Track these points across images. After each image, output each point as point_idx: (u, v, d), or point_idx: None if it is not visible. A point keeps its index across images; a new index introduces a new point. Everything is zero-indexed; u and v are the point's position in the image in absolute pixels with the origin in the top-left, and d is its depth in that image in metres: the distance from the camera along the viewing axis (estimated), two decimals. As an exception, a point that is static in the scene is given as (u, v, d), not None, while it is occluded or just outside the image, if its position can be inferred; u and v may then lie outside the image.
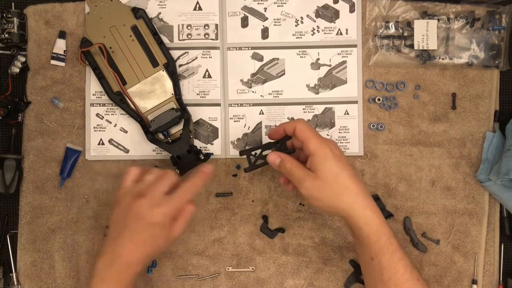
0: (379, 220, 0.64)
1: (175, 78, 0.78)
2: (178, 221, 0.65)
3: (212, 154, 0.79)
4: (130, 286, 0.63)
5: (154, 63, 0.78)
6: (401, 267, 0.63)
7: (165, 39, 0.80)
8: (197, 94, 0.80)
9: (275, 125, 0.81)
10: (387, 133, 0.81)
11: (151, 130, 0.76)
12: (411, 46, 0.80)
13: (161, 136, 0.78)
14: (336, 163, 0.64)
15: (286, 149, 0.70)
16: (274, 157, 0.68)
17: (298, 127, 0.66)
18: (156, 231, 0.62)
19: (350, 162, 0.81)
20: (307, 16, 0.81)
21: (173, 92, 0.78)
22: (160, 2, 0.80)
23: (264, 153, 0.72)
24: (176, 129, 0.78)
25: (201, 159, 0.77)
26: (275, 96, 0.81)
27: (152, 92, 0.78)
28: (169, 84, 0.78)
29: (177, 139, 0.76)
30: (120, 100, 0.77)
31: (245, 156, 0.72)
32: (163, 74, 0.78)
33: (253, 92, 0.81)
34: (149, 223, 0.62)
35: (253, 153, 0.72)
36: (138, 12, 0.78)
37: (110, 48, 0.77)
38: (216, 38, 0.81)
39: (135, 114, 0.78)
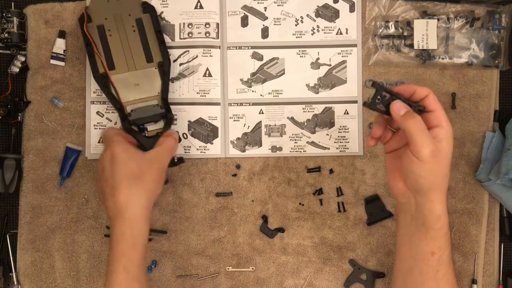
0: (447, 214, 0.62)
1: (166, 79, 0.77)
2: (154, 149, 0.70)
3: (183, 162, 0.77)
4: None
5: (149, 59, 0.77)
6: (453, 265, 0.62)
7: (166, 38, 0.80)
8: (197, 93, 0.80)
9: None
10: (387, 132, 0.81)
11: (130, 118, 0.74)
12: (411, 45, 0.80)
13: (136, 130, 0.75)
14: (451, 145, 0.60)
15: (416, 107, 0.61)
16: (400, 105, 0.60)
17: (432, 96, 0.60)
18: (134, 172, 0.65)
19: (350, 162, 0.81)
20: (307, 15, 0.81)
21: (159, 91, 0.76)
22: (162, 1, 0.80)
23: None
24: (154, 127, 0.75)
25: (174, 162, 0.76)
26: (275, 96, 0.81)
27: (138, 85, 0.76)
28: (158, 82, 0.76)
29: (154, 137, 0.74)
30: (103, 83, 0.75)
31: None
32: (154, 72, 0.77)
33: (253, 91, 0.81)
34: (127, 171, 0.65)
35: (383, 93, 0.61)
36: (147, 7, 0.78)
37: (109, 31, 0.76)
38: (217, 37, 0.81)
39: (114, 101, 0.75)
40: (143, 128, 0.74)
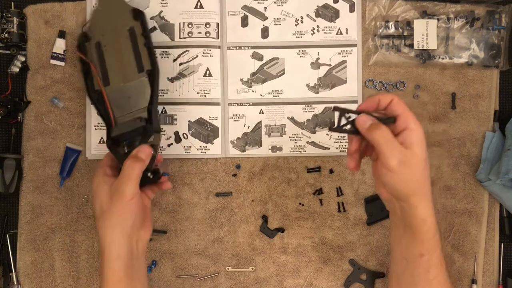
0: (435, 215, 0.61)
1: (155, 86, 0.71)
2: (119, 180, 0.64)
3: (160, 176, 0.67)
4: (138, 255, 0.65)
5: (140, 69, 0.72)
6: (445, 265, 0.62)
7: (166, 38, 0.80)
8: (197, 93, 0.80)
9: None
10: (387, 132, 0.81)
11: (112, 135, 0.69)
12: (411, 45, 0.81)
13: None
14: (425, 148, 0.58)
15: (386, 120, 0.60)
16: (365, 118, 0.59)
17: (396, 100, 0.59)
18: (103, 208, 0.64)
19: (350, 162, 0.81)
20: (307, 15, 0.81)
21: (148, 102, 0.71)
22: (162, 0, 0.80)
23: None
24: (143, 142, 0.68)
25: (148, 179, 0.66)
26: (275, 96, 0.81)
27: (130, 98, 0.71)
28: (148, 93, 0.71)
29: None
30: (97, 99, 0.72)
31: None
32: (145, 81, 0.71)
33: (253, 91, 0.81)
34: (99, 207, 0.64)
35: (347, 114, 0.61)
36: (137, 13, 0.73)
37: (105, 46, 0.73)
38: (217, 37, 0.81)
39: (107, 116, 0.71)
40: (127, 142, 0.69)
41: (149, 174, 0.66)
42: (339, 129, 0.60)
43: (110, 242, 0.62)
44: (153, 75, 0.71)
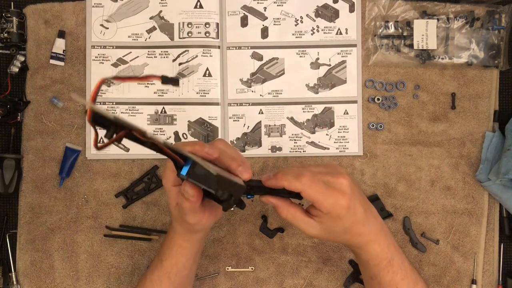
0: (381, 247, 0.61)
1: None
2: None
3: (244, 205, 0.59)
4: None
5: None
6: (404, 286, 0.63)
7: (165, 37, 0.80)
8: (197, 93, 0.80)
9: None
10: (387, 132, 0.81)
11: (179, 175, 0.50)
12: (411, 45, 0.80)
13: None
14: (349, 218, 0.56)
15: (293, 196, 0.57)
16: (267, 202, 0.58)
17: (305, 192, 0.54)
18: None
19: (350, 162, 0.80)
20: (307, 15, 0.81)
21: None
22: (161, 0, 0.80)
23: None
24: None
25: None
26: (275, 96, 0.81)
27: None
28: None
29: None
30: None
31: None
32: None
33: (252, 91, 0.81)
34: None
35: (253, 184, 0.57)
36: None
37: None
38: (217, 37, 0.81)
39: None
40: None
41: (233, 207, 0.62)
42: (242, 201, 0.57)
43: (180, 231, 0.63)
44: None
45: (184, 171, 0.49)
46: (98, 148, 0.44)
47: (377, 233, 0.60)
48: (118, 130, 0.44)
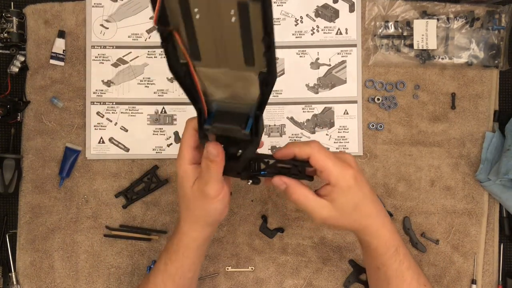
0: (389, 233, 0.62)
1: (266, 95, 0.52)
2: None
3: (259, 181, 0.61)
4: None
5: (249, 61, 0.50)
6: (408, 276, 0.63)
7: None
8: (197, 94, 0.80)
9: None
10: (387, 133, 0.81)
11: (205, 126, 0.55)
12: (411, 45, 0.80)
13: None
14: (357, 192, 0.57)
15: (304, 176, 0.59)
16: (279, 182, 0.58)
17: (314, 157, 0.56)
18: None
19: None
20: (307, 15, 0.81)
21: (255, 104, 0.54)
22: (159, 1, 0.80)
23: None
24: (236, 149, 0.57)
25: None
26: (275, 96, 0.81)
27: (229, 87, 0.54)
28: (255, 92, 0.52)
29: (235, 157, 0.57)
30: (184, 73, 0.55)
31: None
32: (254, 78, 0.51)
33: (252, 91, 0.81)
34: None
35: (265, 159, 0.59)
36: None
37: (196, 10, 0.47)
38: (216, 38, 0.80)
39: (196, 95, 0.55)
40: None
41: (249, 182, 0.61)
42: (257, 176, 0.59)
43: (189, 230, 0.62)
44: (269, 80, 0.50)
45: (208, 122, 0.54)
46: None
47: (384, 217, 0.62)
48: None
